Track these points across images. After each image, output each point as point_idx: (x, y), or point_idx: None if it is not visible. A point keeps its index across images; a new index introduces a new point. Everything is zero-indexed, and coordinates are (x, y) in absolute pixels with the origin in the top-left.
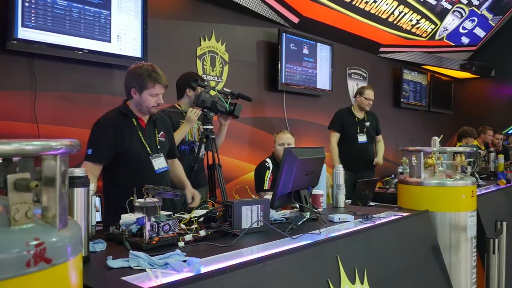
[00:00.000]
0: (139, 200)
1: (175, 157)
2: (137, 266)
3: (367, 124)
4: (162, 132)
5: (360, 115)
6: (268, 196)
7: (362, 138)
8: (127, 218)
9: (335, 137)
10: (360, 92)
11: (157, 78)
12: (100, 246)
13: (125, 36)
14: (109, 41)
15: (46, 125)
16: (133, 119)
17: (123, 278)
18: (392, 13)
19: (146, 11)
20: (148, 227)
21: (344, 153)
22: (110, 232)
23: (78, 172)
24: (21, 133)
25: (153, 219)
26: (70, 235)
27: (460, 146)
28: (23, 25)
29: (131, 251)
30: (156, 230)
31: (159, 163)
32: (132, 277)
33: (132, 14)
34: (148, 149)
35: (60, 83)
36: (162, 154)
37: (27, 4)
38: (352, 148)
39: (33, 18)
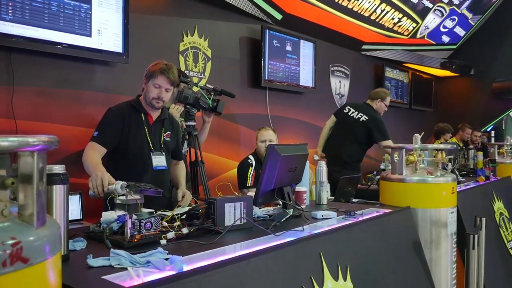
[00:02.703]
0: (121, 197)
1: (181, 159)
2: (118, 264)
3: None
4: (168, 132)
5: None
6: (251, 193)
7: None
8: (108, 215)
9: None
10: (382, 97)
11: (163, 69)
12: (80, 244)
13: (106, 31)
14: (90, 35)
15: (24, 121)
16: (142, 113)
17: (104, 277)
18: (374, 11)
19: (128, 6)
20: (129, 224)
21: (362, 158)
22: (91, 230)
23: (57, 169)
24: None
25: (134, 216)
26: (48, 233)
27: (440, 143)
28: (0, 18)
29: (112, 249)
30: (138, 228)
31: (158, 160)
32: (113, 276)
33: (113, 8)
34: (151, 145)
35: (38, 78)
36: (163, 153)
37: None
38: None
39: (10, 11)
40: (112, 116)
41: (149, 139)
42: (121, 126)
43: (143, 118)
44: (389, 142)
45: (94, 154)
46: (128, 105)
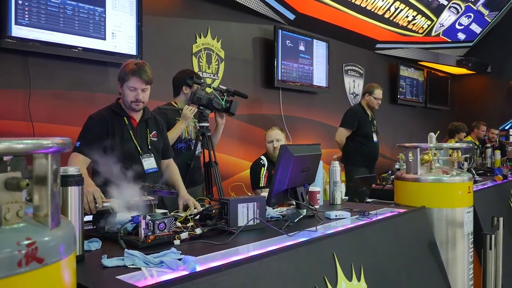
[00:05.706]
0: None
1: (169, 157)
2: (132, 264)
3: (375, 123)
4: (154, 132)
5: (370, 114)
6: (264, 193)
7: (375, 137)
8: (122, 216)
9: (345, 134)
10: (369, 91)
11: (135, 71)
12: (95, 244)
13: (120, 34)
14: (104, 38)
15: (41, 123)
16: (124, 117)
17: (118, 277)
18: (388, 9)
19: (141, 8)
20: (143, 225)
21: (362, 152)
22: (105, 231)
23: (72, 170)
24: (16, 131)
25: (148, 217)
26: (62, 234)
27: (455, 142)
28: (16, 23)
29: (126, 249)
30: (152, 229)
31: (149, 163)
32: (127, 276)
33: (127, 11)
34: (139, 148)
35: (54, 81)
36: (152, 155)
37: (20, 2)
38: (370, 146)
39: (26, 16)
40: (93, 124)
41: (135, 142)
42: (104, 133)
43: (126, 122)
44: (340, 130)
45: (80, 167)
46: (108, 111)
